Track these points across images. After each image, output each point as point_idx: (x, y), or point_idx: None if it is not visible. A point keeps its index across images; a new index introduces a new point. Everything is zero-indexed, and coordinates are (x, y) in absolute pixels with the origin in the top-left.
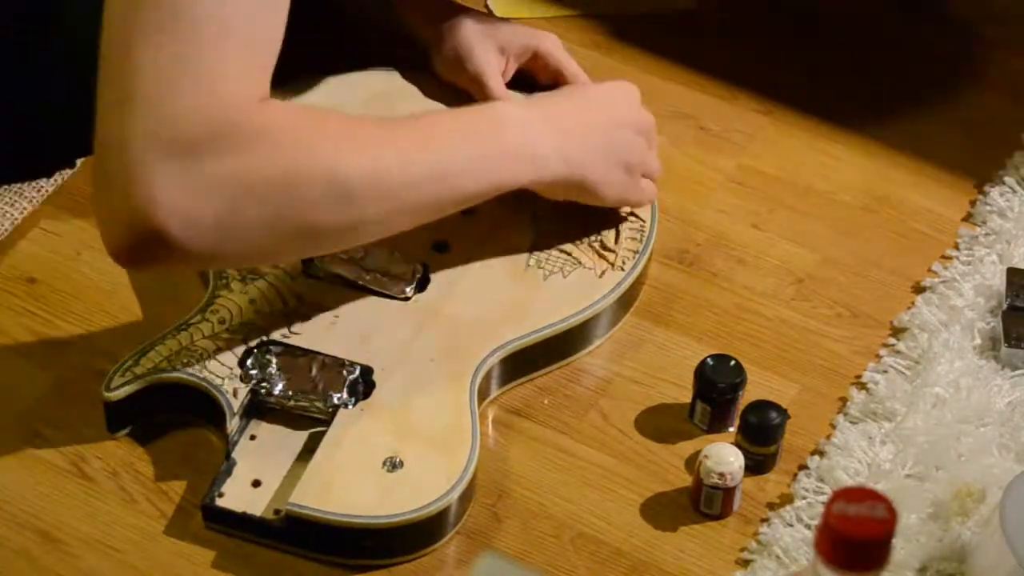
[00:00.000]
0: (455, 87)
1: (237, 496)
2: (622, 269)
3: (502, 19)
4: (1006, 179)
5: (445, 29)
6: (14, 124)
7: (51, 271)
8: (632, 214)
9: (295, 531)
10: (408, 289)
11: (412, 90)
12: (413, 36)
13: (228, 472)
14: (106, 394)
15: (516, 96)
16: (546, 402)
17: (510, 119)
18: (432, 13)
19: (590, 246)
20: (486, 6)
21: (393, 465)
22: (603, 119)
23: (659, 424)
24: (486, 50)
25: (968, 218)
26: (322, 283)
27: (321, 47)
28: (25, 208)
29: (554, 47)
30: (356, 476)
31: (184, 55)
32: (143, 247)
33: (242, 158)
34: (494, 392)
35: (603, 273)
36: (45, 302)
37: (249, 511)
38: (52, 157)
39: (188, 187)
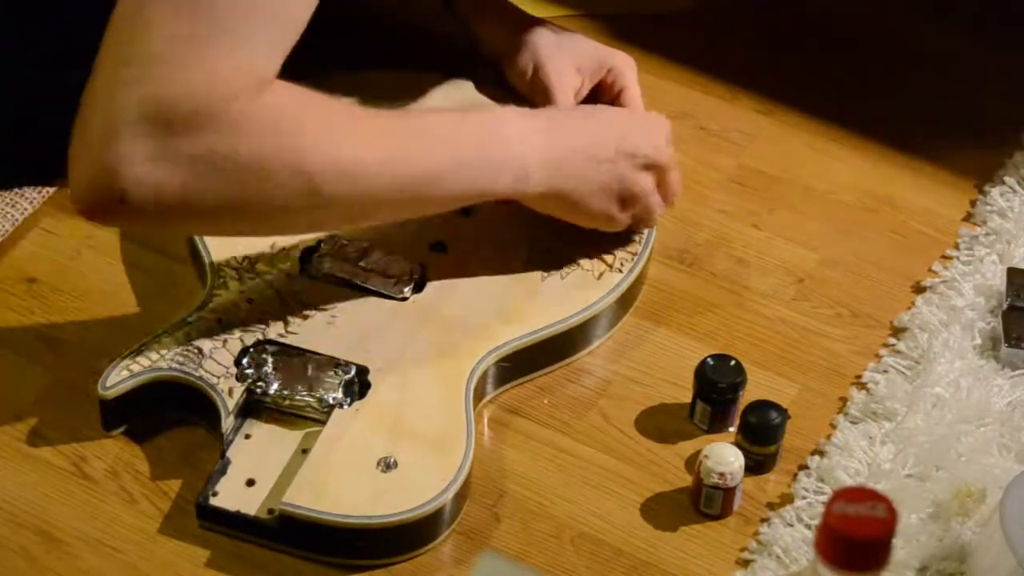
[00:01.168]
0: (487, 93)
1: (231, 495)
2: (620, 271)
3: (578, 34)
4: (1006, 179)
5: (520, 42)
6: (24, 127)
7: (51, 271)
8: None
9: (288, 530)
10: (406, 289)
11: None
12: (484, 47)
13: (222, 471)
14: (101, 392)
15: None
16: (546, 402)
17: (510, 129)
18: (506, 25)
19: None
20: None
21: (387, 465)
22: (610, 146)
23: (659, 424)
24: (562, 66)
25: (968, 218)
26: (320, 283)
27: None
28: (25, 208)
29: (626, 66)
30: (350, 476)
31: (199, 29)
32: (104, 205)
33: (220, 139)
34: (491, 393)
35: (601, 275)
36: (45, 302)
37: (243, 510)
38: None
39: (161, 159)
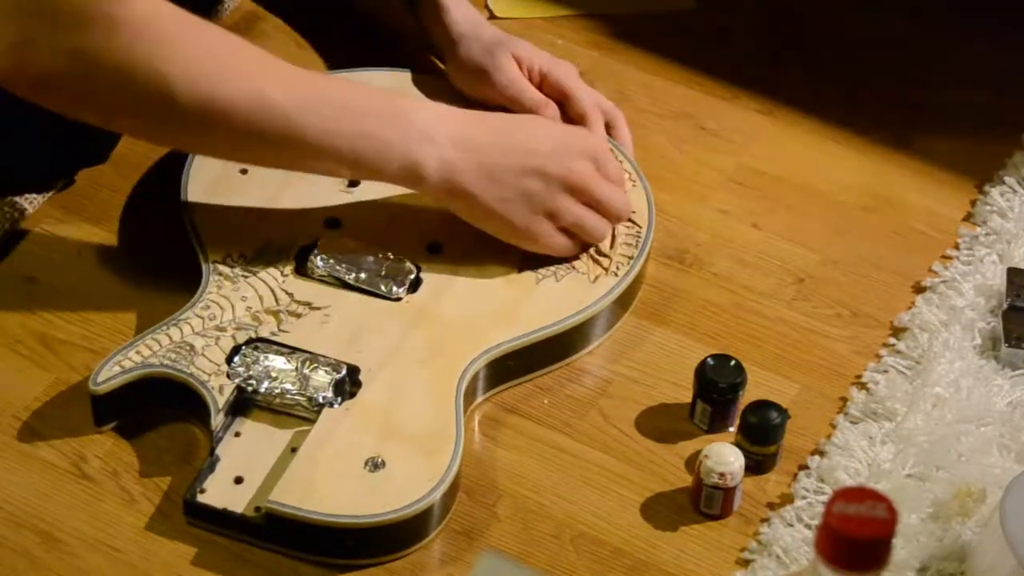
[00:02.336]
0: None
1: (219, 492)
2: (616, 275)
3: (517, 37)
4: (1006, 179)
5: (462, 37)
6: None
7: (51, 271)
8: (630, 220)
9: (275, 529)
10: (400, 290)
11: (417, 93)
12: (433, 43)
13: (211, 468)
14: (92, 387)
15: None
16: (546, 402)
17: (420, 114)
18: (450, 21)
19: (585, 251)
20: (486, 6)
21: (375, 465)
22: (521, 158)
23: (659, 424)
24: (508, 60)
25: (968, 218)
26: (314, 282)
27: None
28: (25, 208)
29: (567, 76)
30: (337, 475)
31: None
32: (7, 80)
33: (94, 39)
34: (484, 394)
35: (596, 278)
36: (45, 302)
37: (230, 508)
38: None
39: (48, 48)
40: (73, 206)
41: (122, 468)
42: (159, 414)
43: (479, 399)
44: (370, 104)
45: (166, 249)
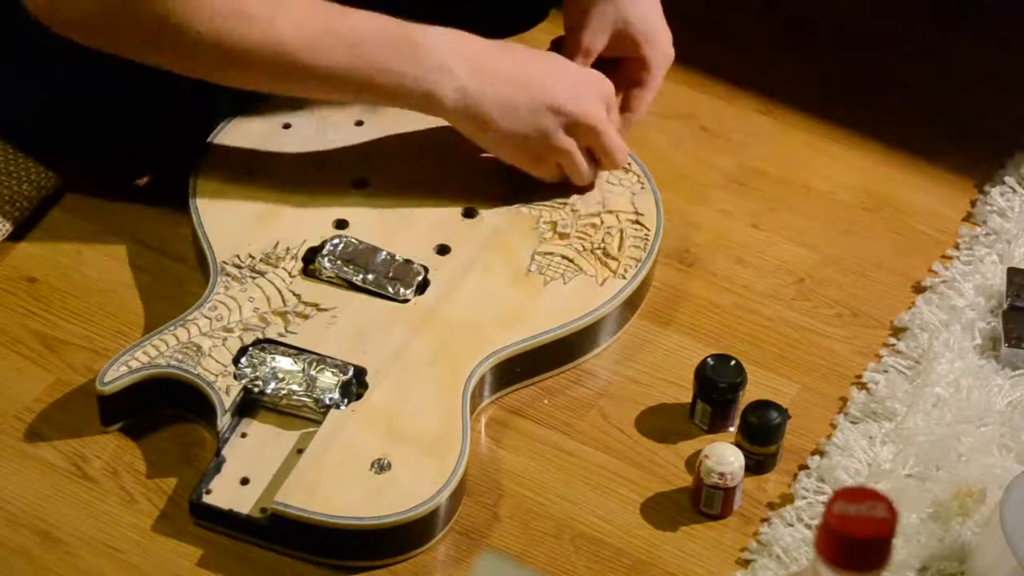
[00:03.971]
0: None
1: (224, 493)
2: (623, 277)
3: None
4: (1006, 179)
5: None
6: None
7: (51, 271)
8: (638, 222)
9: (280, 530)
10: (407, 291)
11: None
12: None
13: (217, 469)
14: (99, 387)
15: None
16: (547, 402)
17: (430, 40)
18: None
19: (593, 253)
20: None
21: (381, 467)
22: (537, 91)
23: (659, 424)
24: (601, 21)
25: (968, 218)
26: (322, 283)
27: None
28: (26, 208)
29: (657, 65)
30: (343, 477)
31: None
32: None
33: None
34: (490, 396)
35: (604, 281)
36: (45, 302)
37: (236, 509)
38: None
39: None
40: (73, 206)
41: (122, 468)
42: (160, 414)
43: (486, 401)
44: (383, 36)
45: (167, 249)
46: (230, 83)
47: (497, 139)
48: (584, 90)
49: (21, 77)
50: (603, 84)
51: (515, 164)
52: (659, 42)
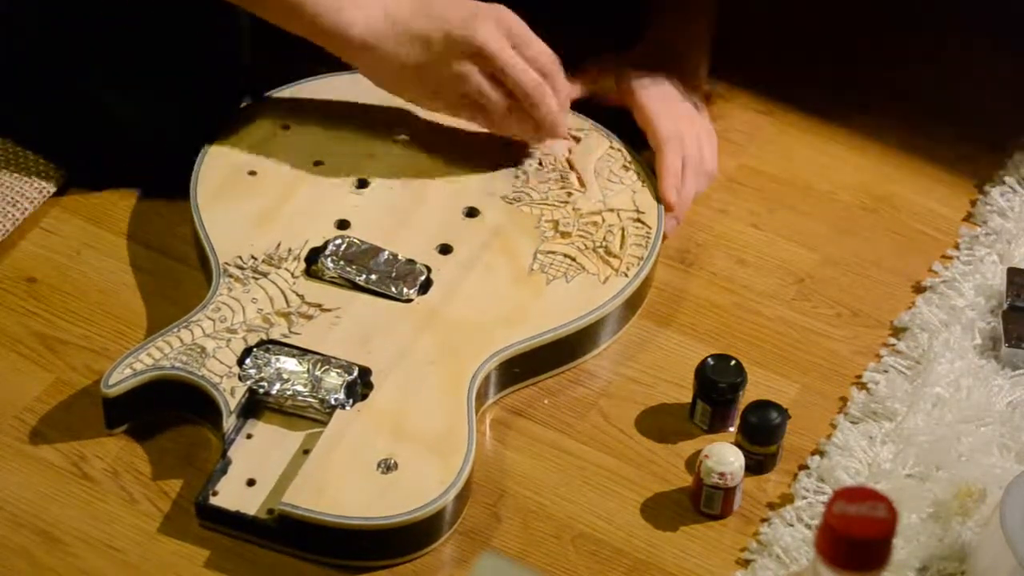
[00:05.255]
0: None
1: (231, 495)
2: (625, 275)
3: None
4: (1006, 179)
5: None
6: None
7: (51, 271)
8: (639, 220)
9: (287, 531)
10: (411, 291)
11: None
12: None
13: (223, 470)
14: (104, 390)
15: None
16: (547, 402)
17: None
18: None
19: (595, 251)
20: None
21: (387, 467)
22: (434, 19)
23: (659, 424)
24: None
25: (968, 218)
26: (325, 284)
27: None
28: (26, 208)
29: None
30: (350, 477)
31: None
32: None
33: None
34: (494, 396)
35: (607, 279)
36: (45, 302)
37: (242, 510)
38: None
39: None
40: (73, 206)
41: (123, 468)
42: (161, 415)
43: (490, 401)
44: None
45: (167, 249)
46: None
47: (392, 74)
48: (475, 16)
49: (22, 76)
50: (501, 12)
51: (418, 101)
52: (659, 126)
